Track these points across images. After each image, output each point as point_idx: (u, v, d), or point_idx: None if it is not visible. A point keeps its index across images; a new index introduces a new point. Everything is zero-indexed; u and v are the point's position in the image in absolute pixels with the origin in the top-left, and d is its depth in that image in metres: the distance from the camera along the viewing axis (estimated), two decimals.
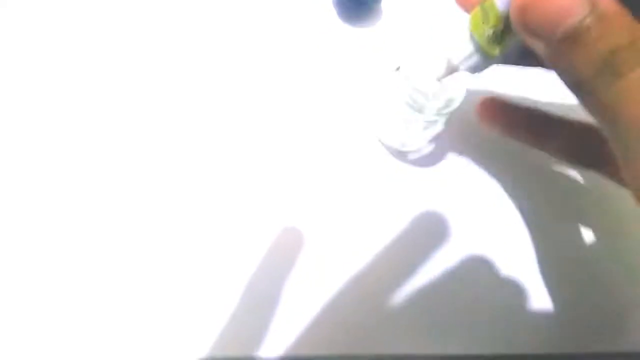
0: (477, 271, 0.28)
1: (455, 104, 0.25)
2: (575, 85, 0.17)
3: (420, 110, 0.25)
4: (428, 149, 0.30)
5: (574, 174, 0.31)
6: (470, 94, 0.26)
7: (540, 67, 0.23)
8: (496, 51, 0.19)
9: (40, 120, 0.29)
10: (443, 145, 0.30)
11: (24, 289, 0.26)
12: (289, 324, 0.26)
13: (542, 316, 0.28)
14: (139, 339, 0.26)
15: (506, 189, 0.30)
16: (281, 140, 0.30)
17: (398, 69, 0.26)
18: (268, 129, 0.30)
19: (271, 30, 0.32)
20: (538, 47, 0.17)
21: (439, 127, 0.28)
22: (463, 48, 0.21)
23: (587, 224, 0.30)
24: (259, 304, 0.27)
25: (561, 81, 0.18)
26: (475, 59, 0.21)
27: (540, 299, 0.28)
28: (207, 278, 0.27)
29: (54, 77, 0.30)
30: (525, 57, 0.20)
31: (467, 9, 0.21)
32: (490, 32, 0.19)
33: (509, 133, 0.27)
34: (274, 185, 0.29)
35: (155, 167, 0.28)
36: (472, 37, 0.20)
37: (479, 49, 0.20)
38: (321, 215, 0.28)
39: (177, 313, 0.26)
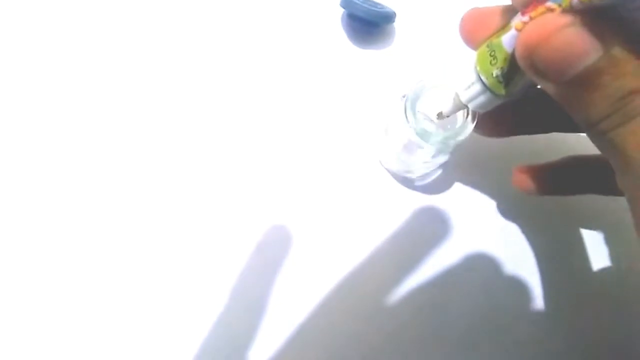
0: (483, 299, 0.27)
1: (464, 135, 0.23)
2: (585, 124, 0.17)
3: (427, 139, 0.23)
4: (434, 175, 0.29)
5: (588, 200, 0.29)
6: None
7: (550, 131, 0.25)
8: (505, 91, 0.19)
9: (39, 121, 0.29)
10: (450, 172, 0.29)
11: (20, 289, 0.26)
12: (281, 330, 0.26)
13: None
14: (124, 345, 0.26)
15: (516, 217, 0.29)
16: (286, 164, 0.29)
17: (405, 96, 0.24)
18: (272, 151, 0.29)
19: (278, 51, 0.31)
20: (547, 87, 0.16)
21: (445, 156, 0.26)
22: (470, 87, 0.20)
23: (602, 251, 0.28)
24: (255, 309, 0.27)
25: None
26: (482, 98, 0.20)
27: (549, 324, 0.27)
28: (195, 283, 0.27)
29: (53, 78, 0.30)
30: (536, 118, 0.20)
31: (474, 45, 0.20)
32: (498, 72, 0.18)
33: (550, 194, 0.26)
34: (275, 207, 0.28)
35: (151, 169, 0.29)
36: (479, 76, 0.19)
37: (487, 88, 0.19)
38: (322, 239, 0.28)
39: (167, 316, 0.26)
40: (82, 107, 0.30)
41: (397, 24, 0.32)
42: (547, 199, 0.28)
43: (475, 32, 0.20)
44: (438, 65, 0.31)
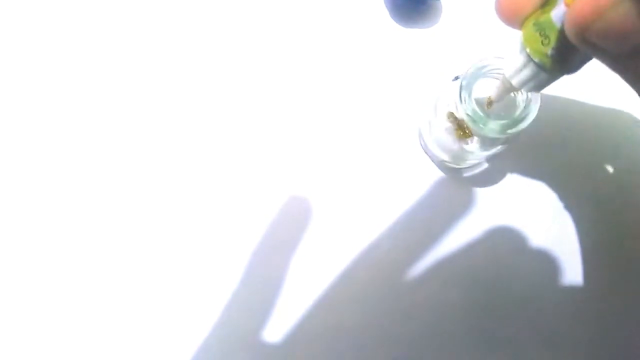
0: (534, 295, 0.27)
1: (524, 125, 0.21)
2: None
3: (483, 125, 0.21)
4: (483, 166, 0.27)
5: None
6: (541, 113, 0.21)
7: None
8: (563, 68, 0.17)
9: (38, 122, 0.28)
10: (500, 163, 0.27)
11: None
12: (299, 305, 0.26)
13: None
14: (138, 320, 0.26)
15: (564, 213, 0.27)
16: (328, 152, 0.28)
17: (457, 78, 0.22)
18: (313, 136, 0.28)
19: (317, 29, 0.29)
20: (604, 60, 0.16)
21: (499, 146, 0.24)
22: (522, 70, 0.18)
23: None
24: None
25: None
26: (538, 80, 0.18)
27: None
28: (213, 257, 0.27)
29: (53, 79, 0.29)
30: None
31: (514, 23, 0.18)
32: (553, 52, 0.17)
33: None
34: (320, 199, 0.27)
35: (171, 145, 0.28)
36: (530, 58, 0.18)
37: (542, 69, 0.18)
38: (365, 229, 0.27)
39: (185, 292, 0.26)
40: (84, 106, 0.28)
41: (445, 0, 0.29)
42: (606, 199, 0.27)
43: (514, 7, 0.18)
44: (489, 46, 0.28)
